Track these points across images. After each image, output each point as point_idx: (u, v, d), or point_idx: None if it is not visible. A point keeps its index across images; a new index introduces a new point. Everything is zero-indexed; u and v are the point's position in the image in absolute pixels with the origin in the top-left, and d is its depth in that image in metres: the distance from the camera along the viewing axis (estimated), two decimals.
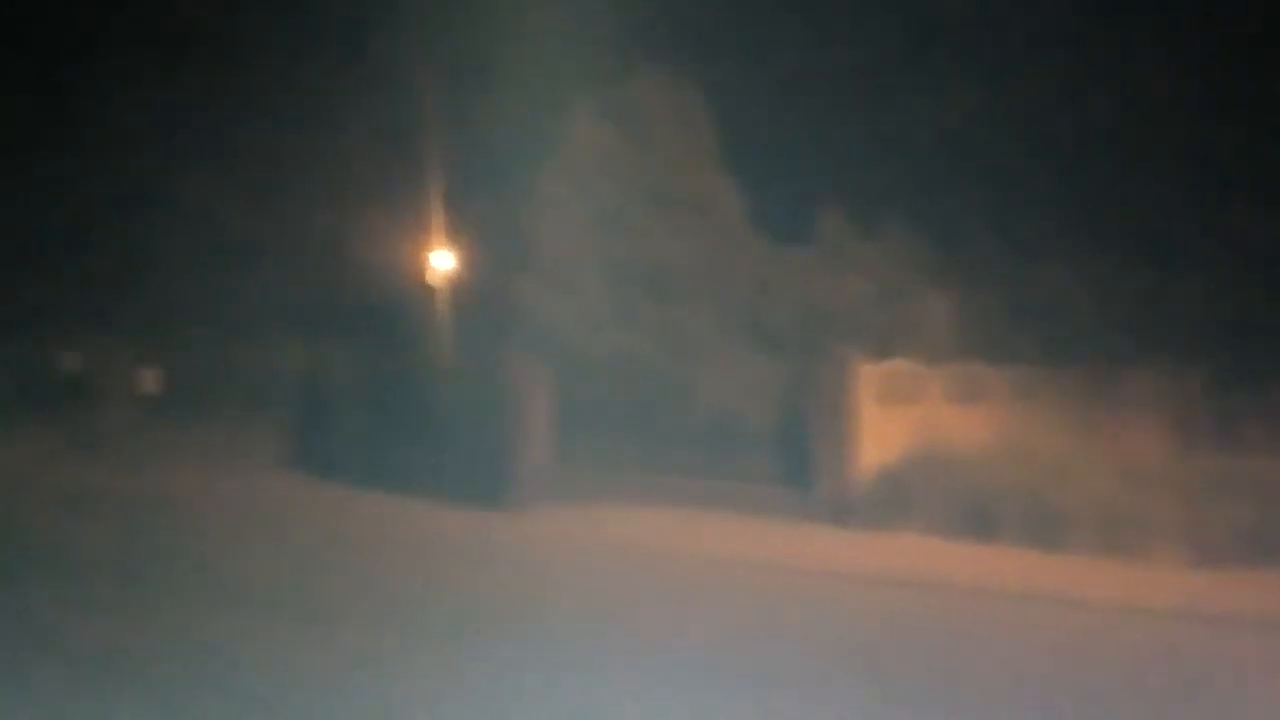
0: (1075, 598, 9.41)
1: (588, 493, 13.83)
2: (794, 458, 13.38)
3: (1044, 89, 17.50)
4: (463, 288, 18.67)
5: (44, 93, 21.34)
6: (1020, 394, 15.28)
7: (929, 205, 16.65)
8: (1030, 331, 15.99)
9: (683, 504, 13.41)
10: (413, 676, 6.85)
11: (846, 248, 16.07)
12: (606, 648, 7.65)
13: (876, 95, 17.99)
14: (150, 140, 20.61)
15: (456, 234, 18.69)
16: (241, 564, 10.52)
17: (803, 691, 6.70)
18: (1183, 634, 8.38)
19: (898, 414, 13.47)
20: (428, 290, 18.77)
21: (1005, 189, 17.21)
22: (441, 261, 18.85)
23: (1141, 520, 11.07)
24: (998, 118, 17.31)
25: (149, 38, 21.28)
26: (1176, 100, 17.12)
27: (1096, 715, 6.44)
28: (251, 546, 11.59)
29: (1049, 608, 9.17)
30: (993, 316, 15.92)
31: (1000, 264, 16.56)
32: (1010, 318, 16.07)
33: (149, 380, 19.49)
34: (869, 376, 13.30)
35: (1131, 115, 17.24)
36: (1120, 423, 13.29)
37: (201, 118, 20.56)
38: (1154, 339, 15.15)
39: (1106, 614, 8.94)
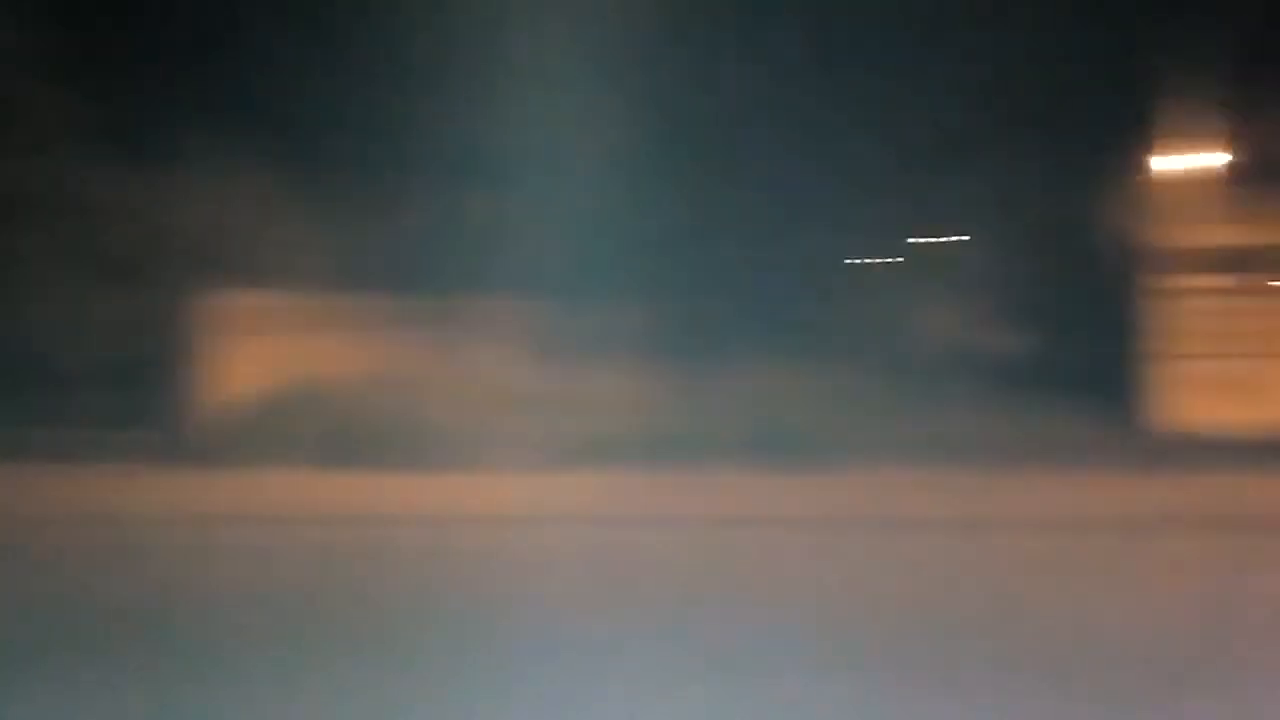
0: (416, 513, 9.66)
1: None
2: (148, 398, 12.51)
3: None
4: None
5: None
6: (385, 321, 15.46)
7: (289, 131, 16.07)
8: (393, 259, 16.19)
9: (14, 457, 11.97)
10: None
11: (204, 172, 15.14)
12: None
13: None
14: None
15: None
16: None
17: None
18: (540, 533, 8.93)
19: (260, 346, 13.08)
20: None
21: (338, 113, 16.80)
22: None
23: (498, 435, 11.78)
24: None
25: None
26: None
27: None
28: None
29: (399, 526, 9.36)
30: (356, 245, 15.91)
31: (365, 193, 16.53)
32: (374, 246, 16.15)
33: None
34: (225, 308, 12.78)
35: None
36: (481, 346, 14.00)
37: None
38: (508, 266, 15.99)
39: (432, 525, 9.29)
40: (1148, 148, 18.37)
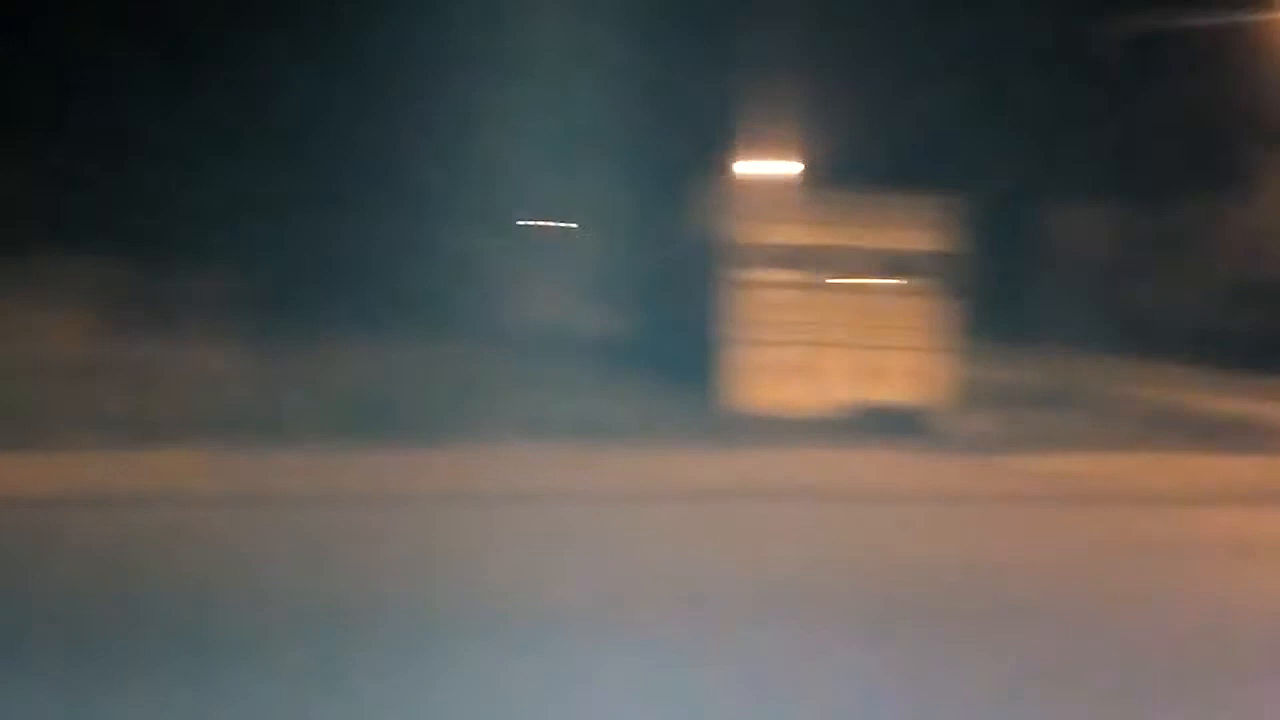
0: None
1: None
2: None
3: None
4: None
5: None
6: None
7: None
8: None
9: None
10: None
11: None
12: None
13: None
14: None
15: None
16: None
17: None
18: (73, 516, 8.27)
19: None
20: None
21: None
22: None
23: (59, 410, 10.78)
24: None
25: None
26: None
27: None
28: None
29: None
30: None
31: None
32: None
33: None
34: None
35: None
36: (47, 314, 12.78)
37: None
38: (80, 226, 14.57)
39: None
40: (733, 152, 19.96)
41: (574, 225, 18.35)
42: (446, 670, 5.22)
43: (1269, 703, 5.33)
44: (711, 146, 17.80)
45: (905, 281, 13.51)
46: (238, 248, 15.34)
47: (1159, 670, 5.69)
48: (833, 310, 13.33)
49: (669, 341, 14.47)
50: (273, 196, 15.86)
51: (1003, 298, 21.14)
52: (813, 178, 17.34)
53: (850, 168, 17.43)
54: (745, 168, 17.42)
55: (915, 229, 13.53)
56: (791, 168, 18.22)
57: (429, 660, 5.34)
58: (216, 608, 6.08)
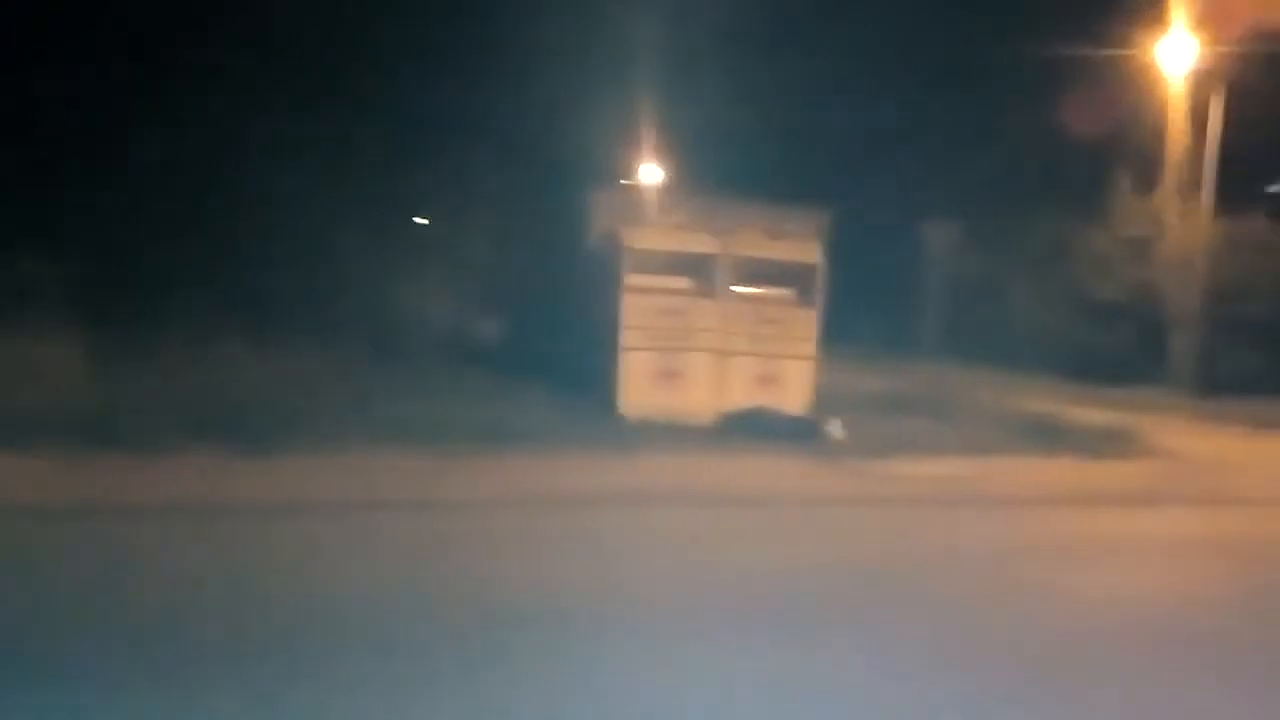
0: None
1: None
2: None
3: None
4: None
5: None
6: None
7: None
8: None
9: None
10: None
11: None
12: None
13: None
14: None
15: None
16: None
17: None
18: None
19: None
20: None
21: None
22: None
23: None
24: None
25: None
26: None
27: None
28: None
29: None
30: None
31: None
32: None
33: None
34: None
35: None
36: None
37: None
38: None
39: None
40: (623, 160, 20.27)
41: (462, 229, 18.28)
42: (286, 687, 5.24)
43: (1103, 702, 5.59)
44: (602, 155, 18.00)
45: (787, 291, 13.83)
46: (79, 235, 14.38)
47: (1000, 667, 5.97)
48: (717, 318, 13.57)
49: (559, 348, 14.51)
50: (123, 179, 15.01)
51: (876, 309, 21.91)
52: (698, 187, 17.64)
53: (733, 179, 17.84)
54: (634, 176, 17.69)
55: (796, 240, 13.90)
56: (677, 177, 18.60)
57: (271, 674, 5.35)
58: (42, 622, 5.86)
